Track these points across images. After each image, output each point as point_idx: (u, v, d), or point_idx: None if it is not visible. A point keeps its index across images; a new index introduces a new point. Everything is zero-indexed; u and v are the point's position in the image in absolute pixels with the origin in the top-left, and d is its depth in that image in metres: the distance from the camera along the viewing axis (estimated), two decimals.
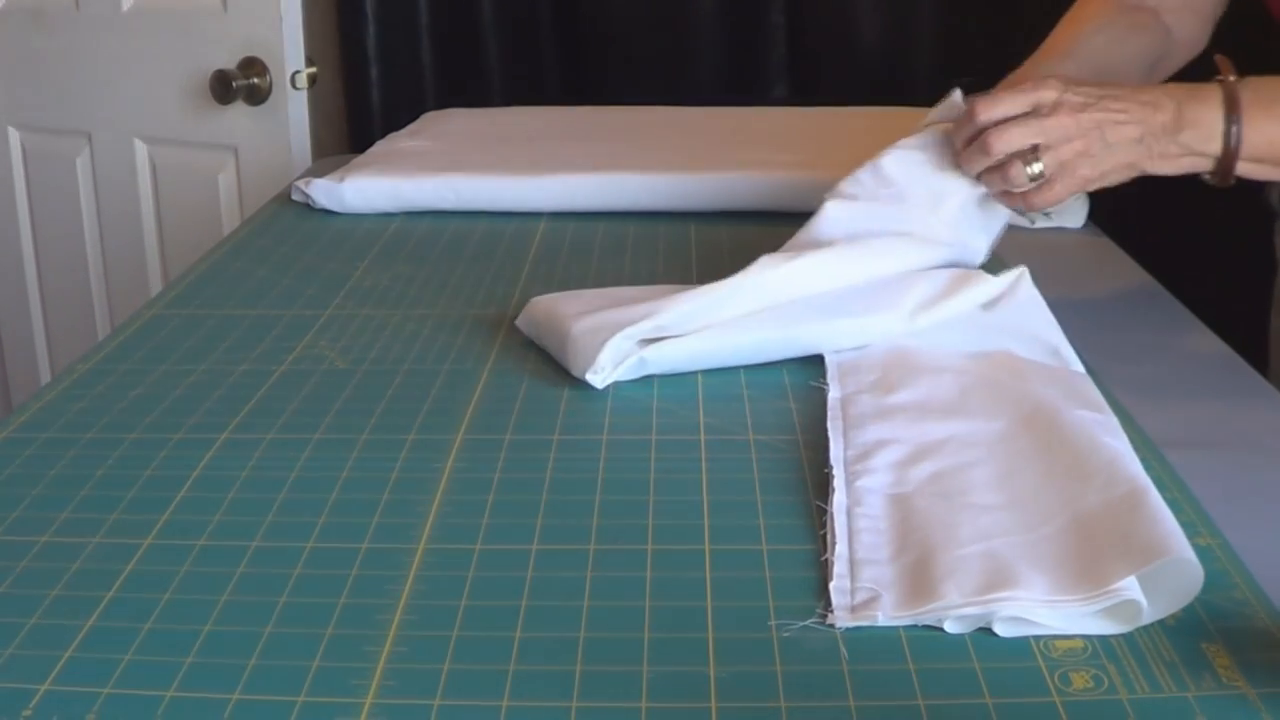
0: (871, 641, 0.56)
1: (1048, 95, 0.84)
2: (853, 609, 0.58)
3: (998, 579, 0.58)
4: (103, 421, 0.80)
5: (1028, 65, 1.01)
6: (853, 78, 1.74)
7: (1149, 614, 0.56)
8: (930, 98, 0.98)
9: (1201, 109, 0.83)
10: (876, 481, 0.68)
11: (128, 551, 0.64)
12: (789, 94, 1.77)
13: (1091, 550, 0.59)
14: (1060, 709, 0.51)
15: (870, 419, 0.76)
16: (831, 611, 0.58)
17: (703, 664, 0.54)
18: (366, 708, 0.52)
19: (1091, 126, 0.83)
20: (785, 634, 0.56)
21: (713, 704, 0.52)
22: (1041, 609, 0.56)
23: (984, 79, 0.95)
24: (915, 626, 0.57)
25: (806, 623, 0.57)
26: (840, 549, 0.62)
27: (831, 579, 0.60)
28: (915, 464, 0.70)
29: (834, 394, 0.80)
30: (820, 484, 0.69)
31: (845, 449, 0.72)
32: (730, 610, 0.58)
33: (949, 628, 0.57)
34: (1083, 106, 0.83)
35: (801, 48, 1.76)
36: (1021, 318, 0.87)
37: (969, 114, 0.87)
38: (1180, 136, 0.83)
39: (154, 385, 0.86)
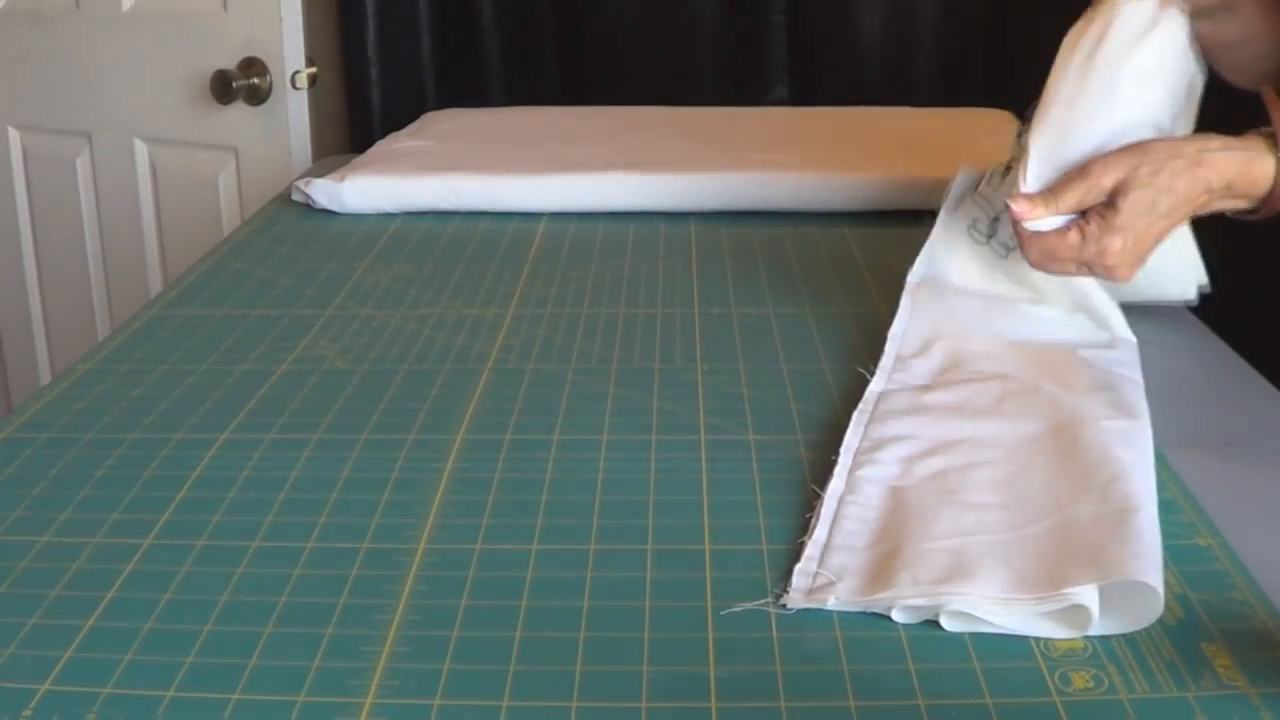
0: (871, 641, 0.56)
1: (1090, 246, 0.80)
2: (809, 592, 0.58)
3: (954, 573, 0.58)
4: (103, 422, 0.80)
5: None
6: (853, 78, 1.73)
7: (1100, 626, 0.56)
8: (930, 98, 0.97)
9: (1251, 185, 0.79)
10: (880, 473, 0.69)
11: (128, 551, 0.64)
12: (789, 94, 1.77)
13: (1062, 556, 0.59)
14: (1060, 709, 0.51)
15: (898, 414, 0.75)
16: (788, 593, 0.58)
17: (703, 664, 0.54)
18: (366, 708, 0.52)
19: (1135, 241, 0.80)
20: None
21: (713, 704, 0.52)
22: (991, 606, 0.56)
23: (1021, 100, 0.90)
24: (915, 625, 0.57)
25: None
26: (819, 534, 0.63)
27: (799, 561, 0.60)
28: (924, 459, 0.70)
29: (875, 387, 0.79)
30: (821, 480, 0.69)
31: (860, 440, 0.72)
32: (730, 610, 0.58)
33: (896, 617, 0.57)
34: (1126, 236, 0.80)
35: (801, 48, 1.76)
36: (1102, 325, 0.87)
37: (1020, 248, 0.84)
38: (1222, 203, 0.81)
39: (154, 385, 0.86)
